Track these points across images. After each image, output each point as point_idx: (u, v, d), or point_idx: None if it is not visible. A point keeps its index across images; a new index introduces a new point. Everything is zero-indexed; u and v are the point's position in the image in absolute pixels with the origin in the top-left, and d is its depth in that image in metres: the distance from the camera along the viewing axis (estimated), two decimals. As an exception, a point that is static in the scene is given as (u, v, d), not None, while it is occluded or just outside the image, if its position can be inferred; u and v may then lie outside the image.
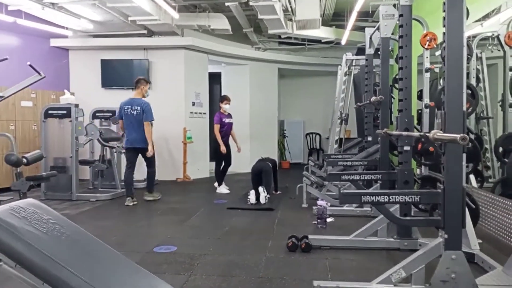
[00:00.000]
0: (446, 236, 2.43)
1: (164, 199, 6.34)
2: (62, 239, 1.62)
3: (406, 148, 3.64)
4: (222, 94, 6.79)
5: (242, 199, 6.10)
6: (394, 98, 6.72)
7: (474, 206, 3.46)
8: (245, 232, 4.42)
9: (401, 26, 3.62)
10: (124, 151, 6.84)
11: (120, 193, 6.51)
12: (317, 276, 3.05)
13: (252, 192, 5.90)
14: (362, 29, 7.59)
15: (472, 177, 4.52)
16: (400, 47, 3.63)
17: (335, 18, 8.66)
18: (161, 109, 7.91)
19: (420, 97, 5.12)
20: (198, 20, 7.48)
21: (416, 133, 3.13)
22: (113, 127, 7.14)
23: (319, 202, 4.69)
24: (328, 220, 4.72)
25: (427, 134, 2.36)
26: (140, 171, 7.99)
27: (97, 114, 7.51)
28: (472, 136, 4.35)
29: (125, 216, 5.21)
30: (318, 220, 4.58)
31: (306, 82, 11.37)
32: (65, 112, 6.21)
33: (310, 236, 3.75)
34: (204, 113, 8.80)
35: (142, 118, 5.81)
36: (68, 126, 6.19)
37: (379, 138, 4.59)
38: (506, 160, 4.23)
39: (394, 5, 4.42)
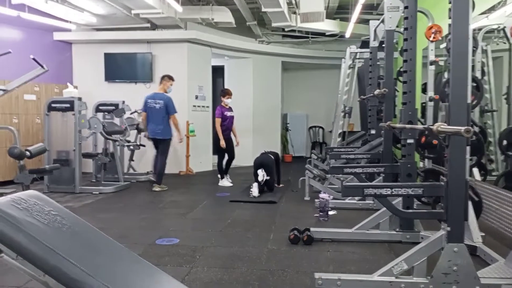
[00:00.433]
0: (448, 228, 2.42)
1: (167, 192, 6.36)
2: (63, 230, 1.62)
3: (410, 141, 3.62)
4: (224, 88, 6.78)
5: (244, 192, 6.11)
6: (398, 91, 6.68)
7: (477, 199, 3.45)
8: (247, 224, 4.43)
9: (406, 18, 3.59)
10: (126, 144, 6.92)
11: (123, 186, 6.53)
12: (318, 269, 3.05)
13: (255, 185, 5.91)
14: (366, 22, 7.54)
15: (475, 170, 4.49)
16: (405, 40, 3.59)
17: (339, 11, 8.60)
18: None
19: (424, 90, 5.08)
20: (202, 13, 7.45)
21: (420, 126, 3.11)
22: (116, 121, 7.14)
23: (321, 195, 4.69)
24: (330, 213, 4.72)
25: (431, 127, 2.34)
26: (142, 164, 8.05)
27: (100, 108, 7.52)
28: (476, 129, 4.33)
29: (128, 209, 5.23)
30: (320, 213, 4.58)
31: (310, 75, 11.32)
32: (68, 105, 6.22)
33: (312, 229, 3.75)
34: (207, 107, 8.79)
35: (164, 112, 6.31)
36: (71, 119, 6.20)
37: (382, 131, 4.58)
38: (510, 154, 4.20)
39: (399, -3, 4.38)
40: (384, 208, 3.54)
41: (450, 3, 2.43)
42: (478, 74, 4.73)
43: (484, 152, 4.56)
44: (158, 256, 3.39)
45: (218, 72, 9.70)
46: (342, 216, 4.73)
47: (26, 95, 7.16)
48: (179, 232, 4.13)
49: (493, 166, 4.95)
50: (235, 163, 7.26)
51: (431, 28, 4.43)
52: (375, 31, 5.58)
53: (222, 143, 6.71)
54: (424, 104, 5.06)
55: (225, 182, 6.90)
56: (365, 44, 8.19)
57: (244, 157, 8.50)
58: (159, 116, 6.30)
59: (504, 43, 4.80)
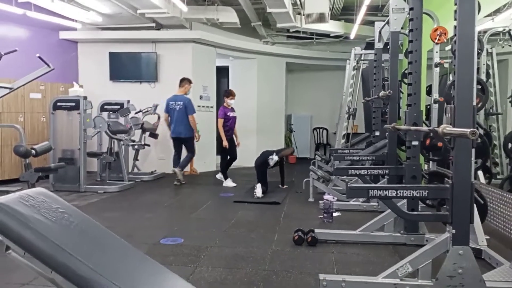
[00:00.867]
0: (453, 231, 2.42)
1: (171, 191, 6.37)
2: (70, 228, 1.63)
3: (415, 143, 3.62)
4: (227, 89, 6.88)
5: (248, 193, 6.11)
6: (402, 93, 6.68)
7: (482, 202, 3.44)
8: (251, 225, 4.44)
9: (411, 19, 3.59)
10: (131, 143, 6.98)
11: (128, 185, 6.55)
12: (323, 270, 3.05)
13: (259, 185, 5.92)
14: (371, 23, 7.54)
15: (480, 173, 4.48)
16: (410, 41, 3.59)
17: (344, 12, 8.60)
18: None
19: (429, 92, 5.08)
20: (207, 13, 7.47)
21: (425, 128, 3.11)
22: (121, 120, 7.17)
23: (326, 197, 4.69)
24: (335, 214, 4.71)
25: (436, 129, 2.34)
26: (146, 164, 8.07)
27: (105, 107, 7.55)
28: (481, 132, 4.32)
29: (132, 208, 5.25)
30: (325, 215, 4.58)
31: (314, 77, 11.32)
32: (73, 104, 6.24)
33: (316, 230, 3.75)
34: (212, 107, 8.80)
35: (184, 112, 6.77)
36: (77, 118, 6.22)
37: (387, 133, 4.57)
38: (516, 157, 4.19)
39: (404, -1, 4.38)
40: (389, 210, 3.55)
41: (456, 4, 2.42)
42: (483, 77, 4.72)
43: (489, 155, 4.55)
44: (163, 255, 3.40)
45: (222, 72, 9.71)
46: (346, 217, 4.72)
47: (32, 94, 7.20)
48: (183, 232, 4.14)
49: (498, 170, 4.94)
50: (238, 164, 7.27)
51: (436, 30, 4.42)
52: (380, 32, 5.58)
53: (225, 143, 6.73)
54: (428, 106, 5.05)
55: (229, 182, 6.91)
56: (369, 45, 8.18)
57: (248, 157, 8.48)
58: (180, 116, 6.77)
59: (510, 45, 4.79)
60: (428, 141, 4.34)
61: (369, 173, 4.18)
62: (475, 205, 2.91)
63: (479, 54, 4.50)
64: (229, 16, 7.49)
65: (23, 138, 5.45)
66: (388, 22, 4.54)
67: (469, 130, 2.04)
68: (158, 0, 6.40)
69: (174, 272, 1.95)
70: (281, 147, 9.85)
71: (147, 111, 7.67)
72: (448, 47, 4.82)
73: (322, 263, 3.24)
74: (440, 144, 4.26)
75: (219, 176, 7.05)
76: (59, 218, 1.62)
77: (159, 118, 7.80)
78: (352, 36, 8.29)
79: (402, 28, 4.51)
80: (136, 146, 7.28)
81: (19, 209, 1.51)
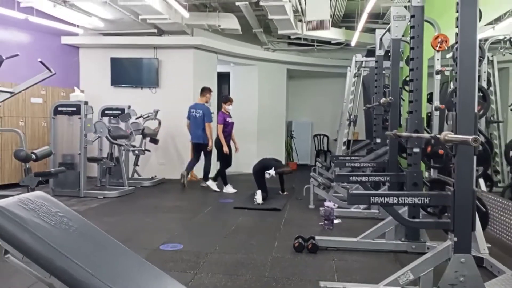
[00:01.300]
0: (455, 239, 2.40)
1: (171, 197, 6.36)
2: (70, 232, 1.62)
3: (416, 150, 3.61)
4: (225, 95, 6.99)
5: (248, 199, 6.09)
6: (403, 100, 6.67)
7: (484, 210, 3.42)
8: (252, 231, 4.41)
9: (412, 27, 3.59)
10: (132, 149, 7.00)
11: (128, 191, 6.53)
12: (323, 277, 3.03)
13: (259, 192, 5.90)
14: (372, 30, 7.57)
15: (481, 181, 4.47)
16: (412, 48, 3.60)
17: (345, 20, 8.63)
18: (169, 108, 7.96)
19: (430, 100, 5.08)
20: (208, 19, 7.49)
21: (426, 135, 3.10)
22: (122, 125, 7.17)
23: (326, 203, 4.67)
24: (335, 221, 4.69)
25: (437, 136, 2.33)
26: (146, 169, 8.06)
27: (106, 112, 7.55)
28: (483, 139, 4.31)
29: (132, 213, 5.23)
30: (325, 221, 4.56)
31: (315, 83, 11.34)
32: (74, 109, 6.25)
33: (316, 237, 3.73)
34: (212, 113, 8.78)
35: (202, 120, 6.97)
36: (77, 123, 6.22)
37: (387, 140, 4.56)
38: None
39: (405, 7, 4.39)
40: (390, 218, 3.53)
41: (457, 12, 2.43)
42: (484, 85, 4.72)
43: (490, 163, 4.53)
44: (162, 261, 3.38)
45: (223, 78, 9.72)
46: (347, 225, 4.70)
47: (33, 98, 7.20)
48: (183, 237, 4.12)
49: (499, 178, 4.92)
50: (239, 170, 7.24)
51: (437, 37, 4.43)
52: (381, 40, 5.59)
53: (226, 149, 6.73)
54: (429, 114, 5.05)
55: (229, 188, 6.89)
56: (370, 53, 8.20)
57: (248, 164, 8.42)
58: (198, 123, 6.97)
59: (510, 53, 4.79)
60: (429, 149, 4.33)
61: (370, 180, 4.17)
62: (476, 213, 2.90)
63: (480, 61, 4.51)
64: (231, 22, 7.51)
65: (23, 143, 5.45)
66: (389, 30, 4.55)
67: (471, 137, 2.04)
68: (159, 6, 6.42)
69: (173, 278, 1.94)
70: (281, 153, 9.89)
71: (148, 117, 7.68)
72: (449, 55, 4.83)
73: (322, 270, 3.22)
74: (441, 151, 4.25)
75: (210, 183, 7.01)
76: (58, 222, 1.61)
77: (159, 123, 7.81)
78: (353, 43, 8.30)
79: (403, 35, 4.52)
80: (136, 152, 7.27)
81: (18, 213, 1.50)
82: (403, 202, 2.62)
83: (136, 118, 7.46)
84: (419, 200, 2.61)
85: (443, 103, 4.50)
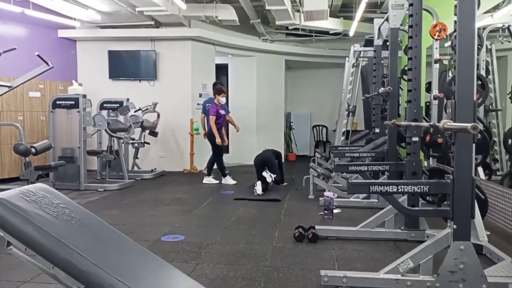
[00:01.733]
0: (455, 226, 2.42)
1: (171, 189, 6.37)
2: (72, 223, 1.62)
3: (415, 139, 3.62)
4: (219, 86, 6.88)
5: (248, 190, 6.11)
6: (402, 90, 6.67)
7: (483, 197, 3.44)
8: (252, 222, 4.44)
9: (411, 15, 3.58)
10: (131, 142, 6.99)
11: (128, 183, 6.54)
12: (324, 266, 3.06)
13: (259, 183, 5.92)
14: (370, 20, 7.53)
15: (480, 169, 4.49)
16: (410, 37, 3.59)
17: (343, 9, 8.59)
18: (168, 101, 7.96)
19: (428, 89, 5.08)
20: (206, 11, 7.45)
21: (425, 124, 3.11)
22: (121, 118, 7.16)
23: (326, 193, 4.68)
24: (335, 211, 4.71)
25: (437, 124, 2.34)
26: (146, 162, 8.07)
27: (105, 105, 7.54)
28: (481, 127, 4.32)
29: (133, 206, 5.24)
30: (325, 211, 4.58)
31: (313, 74, 11.31)
32: (73, 102, 6.24)
33: (317, 227, 3.75)
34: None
35: None
36: (76, 116, 6.21)
37: (386, 130, 4.57)
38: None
39: (404, -5, 4.37)
40: (390, 206, 3.55)
41: (456, 0, 2.42)
42: (482, 73, 4.72)
43: (489, 151, 4.55)
44: (164, 252, 3.40)
45: (221, 70, 9.70)
46: (346, 214, 4.72)
47: (31, 92, 7.18)
48: (184, 229, 4.14)
49: (497, 166, 4.94)
50: (239, 161, 7.25)
51: (435, 26, 4.41)
52: (379, 29, 5.56)
53: (218, 140, 6.68)
54: (428, 103, 5.05)
55: (229, 180, 6.89)
56: (369, 42, 8.17)
57: (248, 155, 8.47)
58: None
59: (509, 41, 4.78)
60: (428, 138, 4.34)
61: (369, 169, 4.18)
62: (475, 200, 2.91)
63: (478, 50, 4.50)
64: (228, 13, 7.48)
65: (22, 137, 5.45)
66: (387, 19, 4.53)
67: (470, 124, 2.04)
68: (157, -3, 6.39)
69: (175, 268, 1.95)
70: (280, 145, 9.89)
71: (146, 109, 7.67)
72: (448, 44, 4.81)
73: (323, 259, 3.24)
74: (440, 140, 4.26)
75: (206, 180, 7.02)
76: (61, 213, 1.62)
77: (158, 116, 7.80)
78: (351, 33, 8.28)
79: (401, 24, 4.51)
80: (136, 144, 7.27)
81: (20, 205, 1.51)
82: (402, 190, 2.63)
83: (135, 111, 7.46)
84: (418, 189, 2.62)
85: (442, 92, 4.50)
